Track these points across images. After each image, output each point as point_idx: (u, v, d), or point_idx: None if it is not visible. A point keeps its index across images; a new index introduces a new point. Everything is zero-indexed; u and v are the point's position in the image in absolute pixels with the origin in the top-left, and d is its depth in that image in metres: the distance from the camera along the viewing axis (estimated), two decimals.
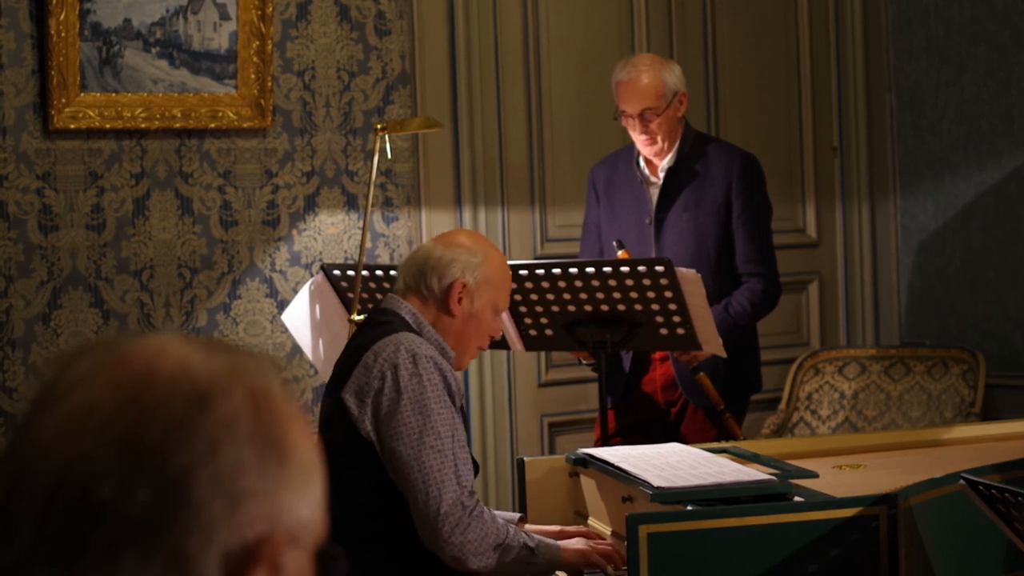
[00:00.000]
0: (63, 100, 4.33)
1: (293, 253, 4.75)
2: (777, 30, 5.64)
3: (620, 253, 4.10)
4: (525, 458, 3.43)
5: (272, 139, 4.72)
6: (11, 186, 4.33)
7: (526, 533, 3.01)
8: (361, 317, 4.02)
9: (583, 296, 3.85)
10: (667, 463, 3.01)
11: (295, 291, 4.52)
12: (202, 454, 0.96)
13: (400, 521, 2.97)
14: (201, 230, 4.61)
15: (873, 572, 2.73)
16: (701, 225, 4.28)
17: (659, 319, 3.84)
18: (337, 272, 4.19)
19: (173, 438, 0.96)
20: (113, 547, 0.93)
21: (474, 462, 3.03)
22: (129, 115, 4.44)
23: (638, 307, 3.83)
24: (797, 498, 2.80)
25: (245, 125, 4.62)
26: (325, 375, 4.50)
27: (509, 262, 3.98)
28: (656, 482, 2.80)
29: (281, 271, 4.73)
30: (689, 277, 3.78)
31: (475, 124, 5.02)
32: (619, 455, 3.15)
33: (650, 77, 4.23)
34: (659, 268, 3.77)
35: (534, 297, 3.89)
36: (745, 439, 4.16)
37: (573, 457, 3.34)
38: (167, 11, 4.49)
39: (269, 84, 4.63)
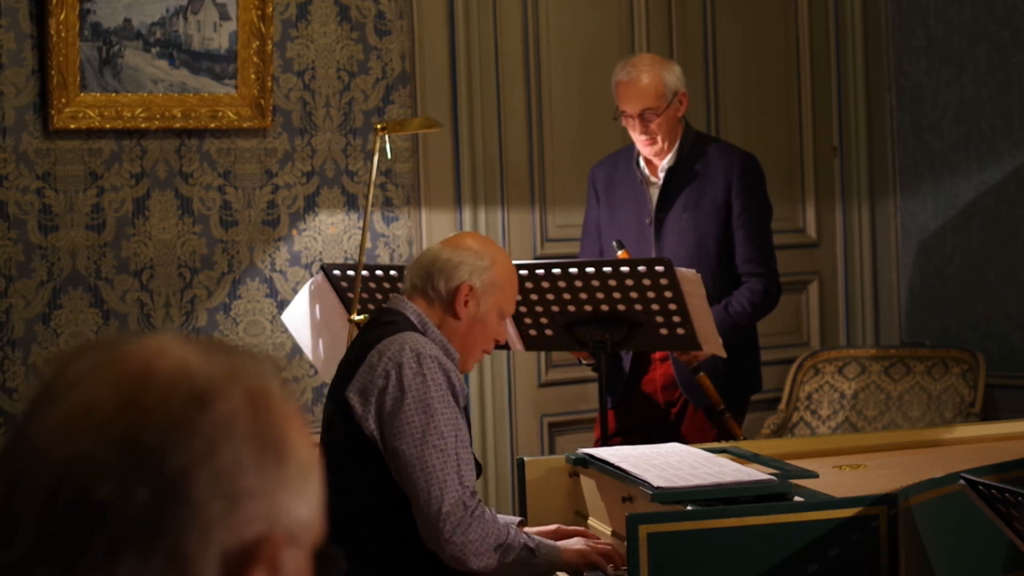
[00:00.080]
0: (63, 100, 4.33)
1: (293, 253, 4.75)
2: (777, 30, 5.64)
3: (620, 253, 4.10)
4: (525, 458, 3.43)
5: (272, 139, 4.72)
6: (11, 186, 4.33)
7: (526, 534, 3.01)
8: (361, 317, 4.02)
9: (583, 296, 3.85)
10: (667, 463, 3.01)
11: (295, 291, 4.52)
12: (201, 454, 0.96)
13: (400, 521, 2.97)
14: (201, 230, 4.61)
15: (873, 572, 2.73)
16: (701, 225, 4.28)
17: (659, 319, 3.84)
18: (337, 272, 4.19)
19: (172, 438, 0.96)
20: (113, 547, 0.93)
21: (477, 463, 3.03)
22: (129, 115, 4.45)
23: (638, 307, 3.83)
24: (797, 498, 2.80)
25: (245, 125, 4.62)
26: (325, 375, 4.50)
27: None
28: (656, 482, 2.80)
29: (281, 271, 4.73)
30: (689, 277, 3.78)
31: (475, 124, 5.02)
32: (619, 455, 3.15)
33: (650, 77, 4.23)
34: (659, 268, 3.77)
35: (534, 297, 3.89)
36: (745, 439, 4.16)
37: (573, 457, 3.34)
38: (167, 11, 4.49)
39: (269, 84, 4.63)
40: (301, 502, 1.00)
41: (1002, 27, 5.28)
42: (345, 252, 4.82)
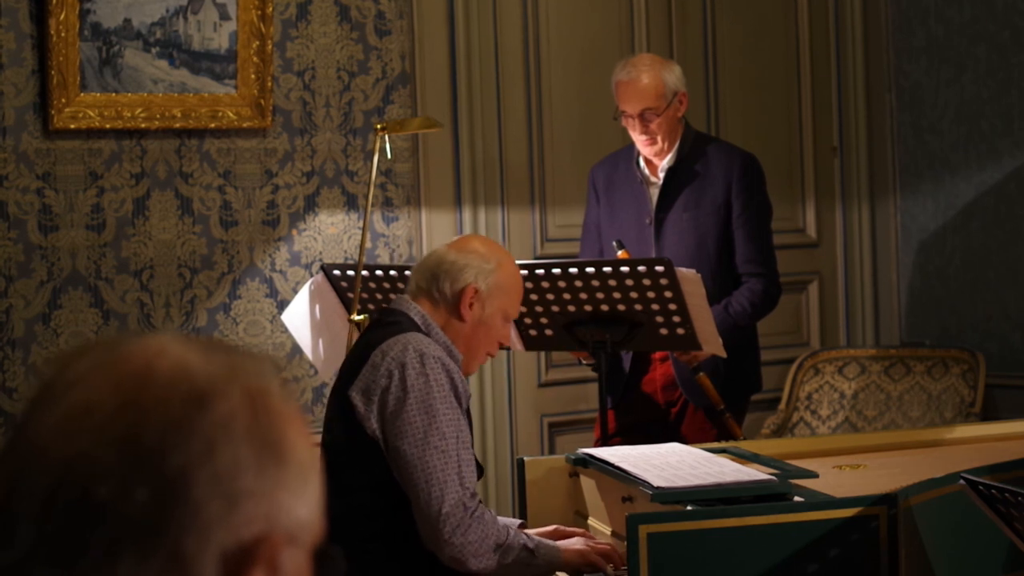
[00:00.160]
0: (63, 100, 4.33)
1: (293, 253, 4.75)
2: (777, 30, 5.64)
3: (620, 253, 4.10)
4: (525, 458, 3.43)
5: (272, 139, 4.72)
6: (11, 186, 4.33)
7: (526, 534, 3.01)
8: (361, 317, 4.02)
9: (583, 296, 3.85)
10: (667, 463, 3.01)
11: (295, 291, 4.52)
12: (200, 454, 0.96)
13: (400, 521, 2.97)
14: (201, 230, 4.61)
15: (873, 572, 2.73)
16: (701, 225, 4.28)
17: (659, 319, 3.84)
18: (337, 272, 4.19)
19: (171, 438, 0.96)
20: (112, 547, 0.94)
21: (478, 464, 3.04)
22: (129, 115, 4.45)
23: (638, 307, 3.83)
24: (797, 498, 2.80)
25: (245, 125, 4.62)
26: (325, 375, 4.51)
27: None
28: (656, 482, 2.80)
29: (281, 271, 4.73)
30: (689, 277, 3.78)
31: (475, 124, 5.02)
32: (619, 455, 3.15)
33: (650, 77, 4.23)
34: (659, 268, 3.77)
35: (534, 297, 3.89)
36: (745, 439, 4.16)
37: (573, 457, 3.34)
38: (167, 11, 4.49)
39: (269, 84, 4.63)
40: (300, 502, 1.00)
41: (1002, 27, 5.28)
42: (345, 252, 4.82)
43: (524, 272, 3.82)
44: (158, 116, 4.49)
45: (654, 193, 4.32)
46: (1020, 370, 5.24)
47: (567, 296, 3.86)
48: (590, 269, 3.83)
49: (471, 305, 3.09)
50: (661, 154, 4.30)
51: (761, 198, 4.35)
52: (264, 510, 0.97)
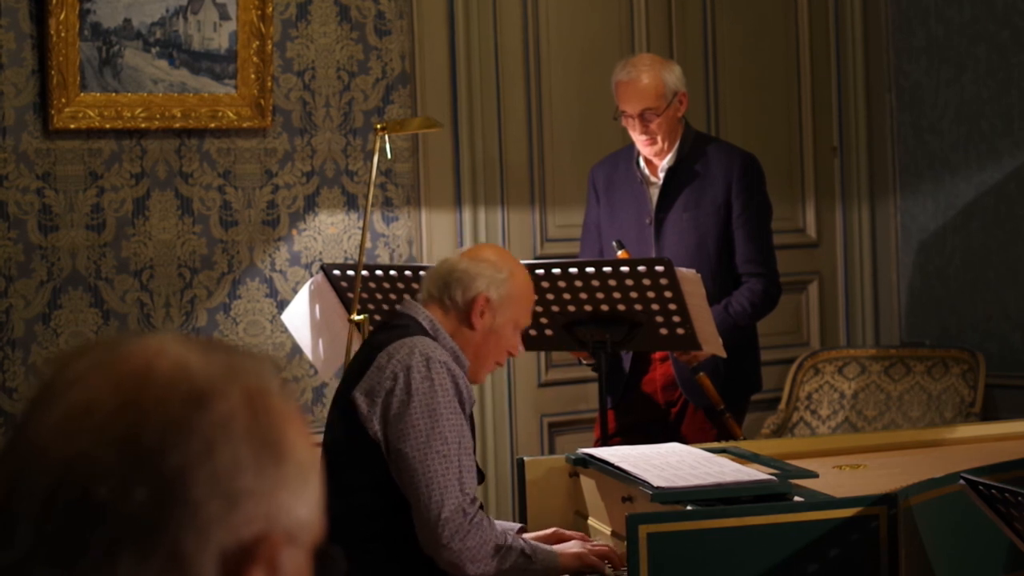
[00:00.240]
0: (63, 100, 4.33)
1: (293, 253, 4.75)
2: (777, 30, 5.64)
3: (620, 253, 4.10)
4: (525, 458, 3.43)
5: (272, 139, 4.72)
6: (11, 186, 4.33)
7: (524, 540, 3.01)
8: (361, 317, 4.02)
9: (583, 296, 3.85)
10: (667, 463, 3.01)
11: (295, 291, 4.51)
12: (199, 454, 0.96)
13: (400, 521, 2.97)
14: (201, 230, 4.61)
15: (873, 572, 2.73)
16: (701, 225, 4.28)
17: (659, 319, 3.84)
18: (337, 272, 4.19)
19: (171, 438, 0.96)
20: (112, 547, 0.94)
21: (479, 470, 3.04)
22: (129, 115, 4.45)
23: (638, 307, 3.83)
24: (797, 498, 2.80)
25: (245, 125, 4.62)
26: (325, 375, 4.51)
27: None
28: (656, 482, 2.80)
29: (281, 271, 4.73)
30: (689, 277, 3.78)
31: (475, 124, 5.02)
32: (619, 455, 3.15)
33: (650, 77, 4.23)
34: (659, 268, 3.77)
35: (534, 297, 3.89)
36: (745, 439, 4.16)
37: (573, 457, 3.34)
38: (167, 11, 4.49)
39: (269, 84, 4.63)
40: (300, 502, 1.00)
41: (1002, 27, 5.28)
42: (345, 252, 4.82)
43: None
44: (158, 116, 4.49)
45: (654, 193, 4.32)
46: (1020, 370, 5.24)
47: (567, 296, 3.86)
48: (590, 269, 3.83)
49: (482, 314, 3.09)
50: (661, 154, 4.30)
51: (761, 198, 4.35)
52: (264, 510, 0.97)
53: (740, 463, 3.07)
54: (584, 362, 4.14)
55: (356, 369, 3.07)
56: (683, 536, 2.68)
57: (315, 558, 1.02)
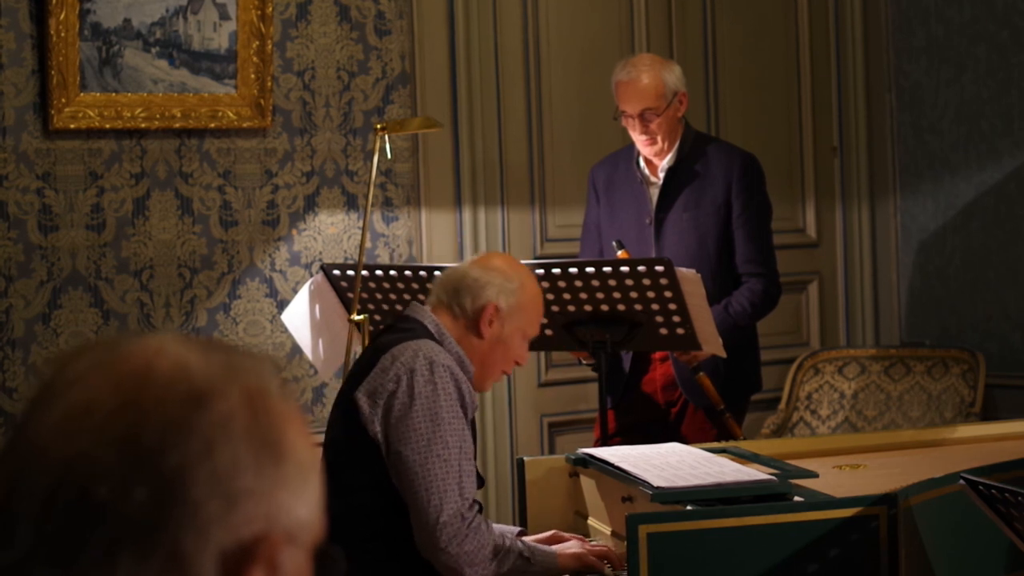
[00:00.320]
0: (63, 100, 4.33)
1: (293, 253, 4.75)
2: (777, 30, 5.64)
3: (620, 253, 4.10)
4: (525, 458, 3.43)
5: (272, 139, 4.72)
6: (11, 186, 4.33)
7: (522, 542, 3.01)
8: (361, 317, 4.02)
9: (583, 296, 3.85)
10: (667, 463, 3.01)
11: (295, 291, 4.51)
12: (198, 453, 0.96)
13: (400, 521, 2.97)
14: (201, 230, 4.61)
15: (873, 572, 2.73)
16: (701, 225, 4.28)
17: (659, 319, 3.84)
18: (337, 272, 4.19)
19: (170, 438, 0.96)
20: (112, 547, 0.94)
21: (479, 475, 3.04)
22: (129, 115, 4.44)
23: (638, 307, 3.83)
24: (797, 498, 2.80)
25: (245, 125, 4.62)
26: (325, 375, 4.51)
27: None
28: (656, 482, 2.80)
29: (281, 271, 4.73)
30: (689, 277, 3.78)
31: (475, 124, 5.02)
32: (619, 455, 3.15)
33: (650, 77, 4.23)
34: (659, 268, 3.77)
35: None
36: (745, 439, 4.16)
37: (573, 457, 3.34)
38: (167, 11, 4.49)
39: (269, 84, 4.63)
40: (300, 502, 1.00)
41: (1002, 27, 5.28)
42: (345, 252, 4.82)
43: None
44: (158, 116, 4.49)
45: (654, 193, 4.32)
46: (1020, 370, 5.24)
47: (567, 296, 3.86)
48: (590, 269, 3.83)
49: (491, 322, 3.09)
50: (661, 154, 4.30)
51: (761, 198, 4.35)
52: (263, 509, 0.97)
53: (740, 463, 3.07)
54: (584, 362, 4.14)
55: (360, 370, 3.07)
56: (683, 536, 2.68)
57: (315, 558, 1.02)
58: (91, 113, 4.38)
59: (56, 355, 1.04)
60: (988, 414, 5.15)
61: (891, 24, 5.69)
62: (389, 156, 4.28)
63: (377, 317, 4.11)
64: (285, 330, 4.50)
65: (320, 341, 4.23)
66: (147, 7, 4.46)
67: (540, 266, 3.86)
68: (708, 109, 5.46)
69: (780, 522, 2.71)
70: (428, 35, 4.96)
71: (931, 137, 5.56)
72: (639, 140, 4.28)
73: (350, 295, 4.09)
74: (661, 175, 4.31)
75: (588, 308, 3.87)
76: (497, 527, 3.05)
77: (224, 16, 4.56)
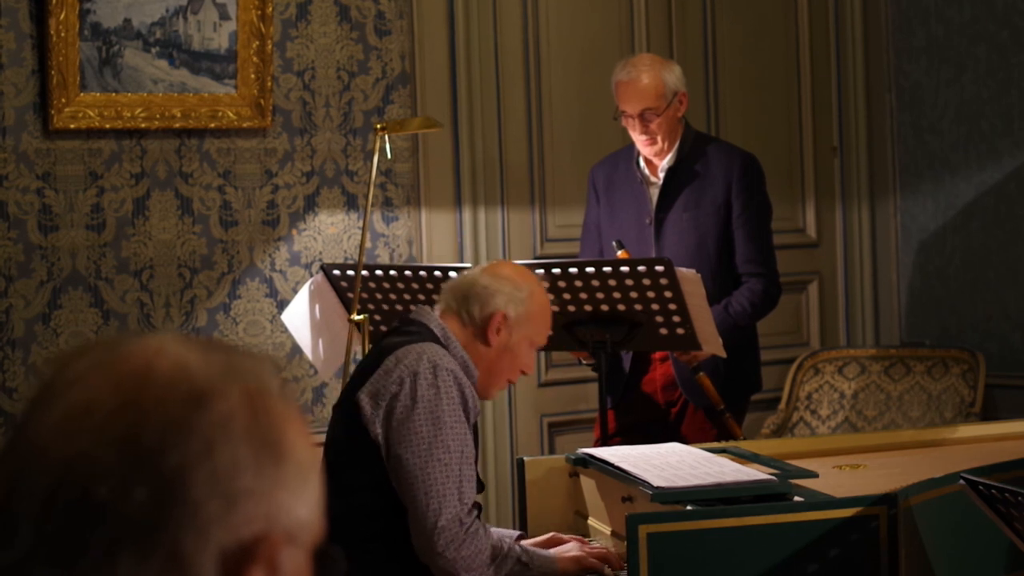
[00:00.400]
0: (63, 100, 4.33)
1: (293, 253, 4.75)
2: (777, 30, 5.64)
3: (620, 253, 4.10)
4: (525, 458, 3.43)
5: (272, 139, 4.72)
6: (11, 186, 4.33)
7: (521, 546, 3.01)
8: (361, 317, 4.02)
9: (583, 296, 3.85)
10: (667, 463, 3.01)
11: (295, 291, 4.52)
12: (198, 454, 0.96)
13: (400, 522, 2.97)
14: (201, 230, 4.61)
15: (873, 572, 2.73)
16: (701, 225, 4.28)
17: (659, 319, 3.84)
18: (337, 272, 4.19)
19: (170, 438, 0.96)
20: (112, 547, 0.94)
21: (479, 480, 3.03)
22: (129, 115, 4.45)
23: (638, 307, 3.83)
24: (797, 498, 2.80)
25: (245, 125, 4.62)
26: (325, 375, 4.51)
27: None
28: (656, 482, 2.80)
29: (281, 271, 4.73)
30: (689, 277, 3.78)
31: (475, 124, 5.02)
32: (619, 455, 3.15)
33: (650, 77, 4.23)
34: (659, 268, 3.77)
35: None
36: (745, 439, 4.16)
37: (573, 457, 3.34)
38: (167, 11, 4.49)
39: (269, 84, 4.63)
40: (300, 502, 1.00)
41: (1002, 27, 5.28)
42: (345, 252, 4.82)
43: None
44: (158, 116, 4.49)
45: (654, 193, 4.32)
46: (1020, 370, 5.24)
47: (567, 296, 3.86)
48: (590, 269, 3.83)
49: (498, 331, 3.09)
50: (661, 154, 4.30)
51: (761, 198, 4.35)
52: (263, 510, 0.97)
53: (740, 463, 3.07)
54: (584, 362, 4.14)
55: (363, 371, 3.07)
56: (683, 536, 2.68)
57: (315, 558, 1.02)
58: (91, 113, 4.38)
59: (56, 355, 1.04)
60: (988, 414, 5.15)
61: (891, 24, 5.69)
62: (389, 156, 4.28)
63: (377, 317, 4.11)
64: (285, 330, 4.50)
65: (320, 341, 4.23)
66: (147, 7, 4.46)
67: (540, 266, 3.86)
68: (708, 109, 5.46)
69: (780, 522, 2.71)
70: (428, 35, 4.96)
71: (931, 137, 5.56)
72: (639, 140, 4.28)
73: (350, 295, 4.09)
74: (661, 175, 4.31)
75: (588, 308, 3.87)
76: (496, 531, 3.05)
77: (224, 16, 4.56)
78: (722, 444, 3.51)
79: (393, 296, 4.07)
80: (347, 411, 3.04)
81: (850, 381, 5.41)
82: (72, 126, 4.36)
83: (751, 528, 2.69)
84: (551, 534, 3.17)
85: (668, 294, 3.78)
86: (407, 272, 4.06)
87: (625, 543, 2.73)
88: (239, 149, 4.67)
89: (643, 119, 4.23)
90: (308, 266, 4.74)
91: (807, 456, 3.40)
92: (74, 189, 4.42)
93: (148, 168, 4.53)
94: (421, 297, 4.02)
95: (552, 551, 3.05)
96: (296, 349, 4.56)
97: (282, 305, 4.58)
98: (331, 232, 4.81)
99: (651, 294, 3.80)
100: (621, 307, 3.84)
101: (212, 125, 4.58)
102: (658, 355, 4.30)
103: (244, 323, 4.68)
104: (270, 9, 4.59)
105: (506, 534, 3.09)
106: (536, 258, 5.04)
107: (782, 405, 5.43)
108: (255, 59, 4.60)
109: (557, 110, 5.19)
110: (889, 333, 5.73)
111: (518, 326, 3.11)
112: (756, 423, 5.34)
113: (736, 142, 4.68)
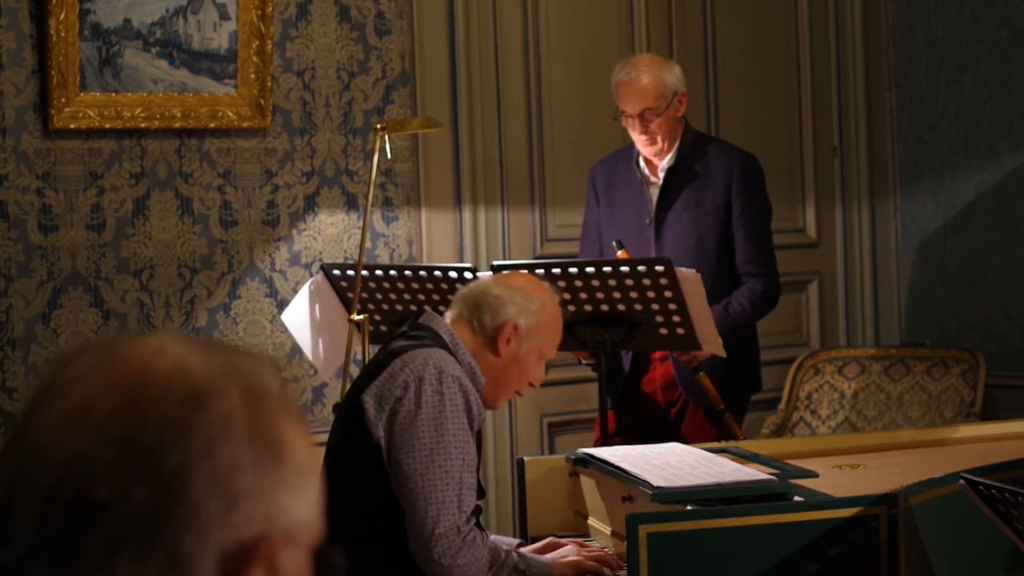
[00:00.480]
0: (63, 100, 4.33)
1: (293, 253, 4.75)
2: (777, 30, 5.64)
3: (620, 253, 4.10)
4: (525, 458, 3.43)
5: (272, 139, 4.72)
6: (11, 186, 4.33)
7: (519, 554, 3.00)
8: (361, 317, 4.02)
9: (583, 296, 3.85)
10: (667, 463, 3.01)
11: (295, 291, 4.52)
12: (198, 454, 0.96)
13: (400, 522, 2.97)
14: (201, 230, 4.61)
15: (873, 572, 2.73)
16: (701, 225, 4.28)
17: (659, 319, 3.84)
18: (337, 272, 4.19)
19: (170, 438, 0.96)
20: (111, 547, 0.94)
21: (480, 488, 3.03)
22: (129, 115, 4.44)
23: (638, 307, 3.83)
24: (797, 498, 2.80)
25: (245, 125, 4.62)
26: (325, 375, 4.51)
27: (508, 262, 3.99)
28: (656, 482, 2.80)
29: (281, 271, 4.73)
30: (689, 277, 3.78)
31: (475, 124, 5.02)
32: (619, 455, 3.15)
33: (650, 77, 4.23)
34: (659, 268, 3.77)
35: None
36: (745, 439, 4.16)
37: (573, 457, 3.34)
38: (167, 11, 4.49)
39: (269, 84, 4.63)
40: (299, 502, 1.00)
41: (1002, 27, 5.28)
42: (345, 252, 4.82)
43: (523, 272, 3.82)
44: (158, 116, 4.49)
45: (654, 193, 4.32)
46: (1020, 370, 5.24)
47: (567, 296, 3.86)
48: (590, 269, 3.83)
49: (508, 341, 3.09)
50: (661, 154, 4.31)
51: (761, 198, 4.35)
52: (263, 510, 0.97)
53: (740, 463, 3.07)
54: (584, 362, 4.15)
55: (369, 372, 3.07)
56: (683, 536, 2.68)
57: (315, 558, 1.02)
58: (91, 113, 4.38)
59: (56, 355, 1.04)
60: (988, 414, 5.15)
61: (891, 24, 5.69)
62: (389, 156, 4.28)
63: (377, 317, 4.11)
64: (285, 330, 4.50)
65: (320, 341, 4.23)
66: (147, 7, 4.46)
67: (540, 266, 3.87)
68: (708, 109, 5.46)
69: (780, 522, 2.71)
70: (428, 35, 4.96)
71: (931, 137, 5.56)
72: (639, 140, 4.28)
73: (350, 295, 4.09)
74: (661, 175, 4.31)
75: (588, 308, 3.87)
76: (494, 539, 3.04)
77: (224, 16, 4.56)
78: (722, 444, 3.51)
79: (393, 296, 4.07)
80: (350, 412, 3.04)
81: (850, 381, 5.41)
82: (72, 126, 4.36)
83: (751, 528, 2.69)
84: (548, 540, 3.17)
85: (668, 294, 3.78)
86: (407, 272, 4.06)
87: (625, 543, 2.73)
88: (239, 149, 4.67)
89: (643, 119, 4.23)
90: (308, 266, 4.74)
91: (807, 456, 3.40)
92: (74, 189, 4.42)
93: (148, 168, 4.53)
94: (421, 297, 4.02)
95: (549, 556, 3.04)
96: (296, 349, 4.56)
97: (282, 305, 4.58)
98: (331, 232, 4.81)
99: (651, 294, 3.80)
100: (621, 307, 3.84)
101: (212, 125, 4.58)
102: (658, 355, 4.30)
103: (244, 323, 4.68)
104: (270, 9, 4.59)
105: (504, 542, 3.09)
106: (536, 258, 5.04)
107: (782, 405, 5.43)
108: (255, 59, 4.60)
109: (557, 110, 5.19)
110: (889, 333, 5.73)
111: (528, 337, 3.11)
112: (756, 423, 5.34)
113: (736, 142, 4.68)
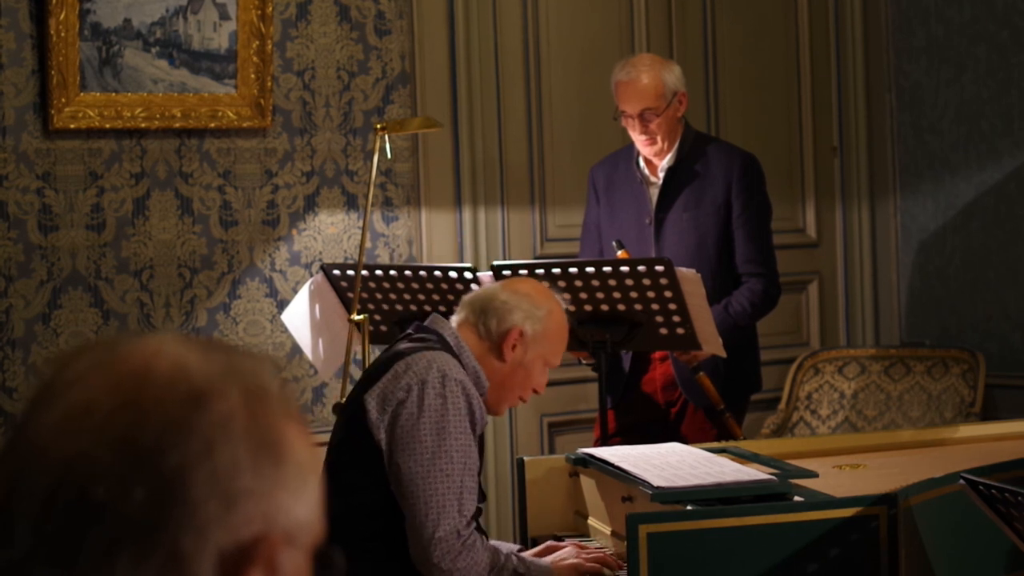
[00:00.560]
0: (63, 100, 4.33)
1: (293, 253, 4.75)
2: (777, 30, 5.64)
3: (620, 253, 4.10)
4: (525, 458, 3.43)
5: (272, 139, 4.72)
6: (11, 186, 4.33)
7: (518, 558, 3.00)
8: (361, 317, 4.02)
9: (583, 296, 3.85)
10: (667, 463, 3.01)
11: (295, 291, 4.52)
12: (197, 454, 0.96)
13: (400, 522, 2.97)
14: (201, 230, 4.61)
15: (873, 572, 2.73)
16: (701, 225, 4.28)
17: (659, 319, 3.84)
18: (337, 272, 4.19)
19: (169, 438, 0.96)
20: (111, 547, 0.94)
21: (481, 491, 3.03)
22: (129, 115, 4.44)
23: (638, 307, 3.83)
24: (797, 498, 2.80)
25: (245, 125, 4.62)
26: (325, 375, 4.51)
27: (508, 262, 3.99)
28: (656, 482, 2.80)
29: (281, 271, 4.73)
30: (689, 277, 3.78)
31: (475, 124, 5.02)
32: (619, 455, 3.15)
33: (650, 77, 4.23)
34: (659, 268, 3.77)
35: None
36: (745, 439, 4.16)
37: (573, 457, 3.34)
38: (167, 11, 4.49)
39: (269, 84, 4.63)
40: (299, 502, 1.00)
41: (1002, 27, 5.28)
42: (345, 252, 4.82)
43: (524, 272, 3.82)
44: (158, 116, 4.49)
45: (654, 193, 4.32)
46: (1020, 370, 5.24)
47: (567, 296, 3.86)
48: (590, 269, 3.83)
49: (514, 347, 3.09)
50: (661, 154, 4.31)
51: (761, 198, 4.35)
52: (262, 510, 0.97)
53: (740, 463, 3.07)
54: (584, 362, 4.14)
55: (372, 374, 3.06)
56: (683, 536, 2.68)
57: (315, 558, 1.02)
58: (91, 113, 4.38)
59: (56, 355, 1.04)
60: (988, 414, 5.15)
61: (891, 24, 5.69)
62: (389, 156, 4.28)
63: (377, 317, 4.11)
64: (285, 330, 4.50)
65: (320, 341, 4.23)
66: (147, 7, 4.46)
67: (540, 266, 3.87)
68: (708, 109, 5.46)
69: (780, 522, 2.71)
70: (428, 35, 4.96)
71: (931, 137, 5.56)
72: (639, 140, 4.28)
73: (350, 295, 4.09)
74: (661, 175, 4.31)
75: (588, 308, 3.87)
76: (494, 543, 3.04)
77: (224, 16, 4.56)
78: (722, 444, 3.51)
79: (393, 296, 4.07)
80: (352, 413, 3.04)
81: (850, 381, 5.41)
82: (72, 126, 4.36)
83: (751, 528, 2.70)
84: (547, 543, 3.16)
85: (668, 294, 3.78)
86: (407, 272, 4.06)
87: (625, 543, 2.73)
88: (239, 149, 4.67)
89: (643, 119, 4.23)
90: (308, 266, 4.74)
91: (807, 456, 3.40)
92: (74, 189, 4.42)
93: (148, 168, 4.53)
94: (421, 297, 4.02)
95: (548, 559, 3.04)
96: (296, 349, 4.56)
97: (282, 305, 4.58)
98: (331, 232, 4.81)
99: (651, 294, 3.80)
100: (621, 307, 3.84)
101: (212, 125, 4.58)
102: (658, 355, 4.30)
103: (244, 323, 4.68)
104: (270, 9, 4.59)
105: (504, 547, 3.08)
106: (536, 258, 5.04)
107: (782, 405, 5.43)
108: (255, 59, 4.60)
109: (557, 110, 5.19)
110: (889, 333, 5.73)
111: (534, 343, 3.11)
112: (756, 423, 5.34)
113: (736, 142, 4.68)
